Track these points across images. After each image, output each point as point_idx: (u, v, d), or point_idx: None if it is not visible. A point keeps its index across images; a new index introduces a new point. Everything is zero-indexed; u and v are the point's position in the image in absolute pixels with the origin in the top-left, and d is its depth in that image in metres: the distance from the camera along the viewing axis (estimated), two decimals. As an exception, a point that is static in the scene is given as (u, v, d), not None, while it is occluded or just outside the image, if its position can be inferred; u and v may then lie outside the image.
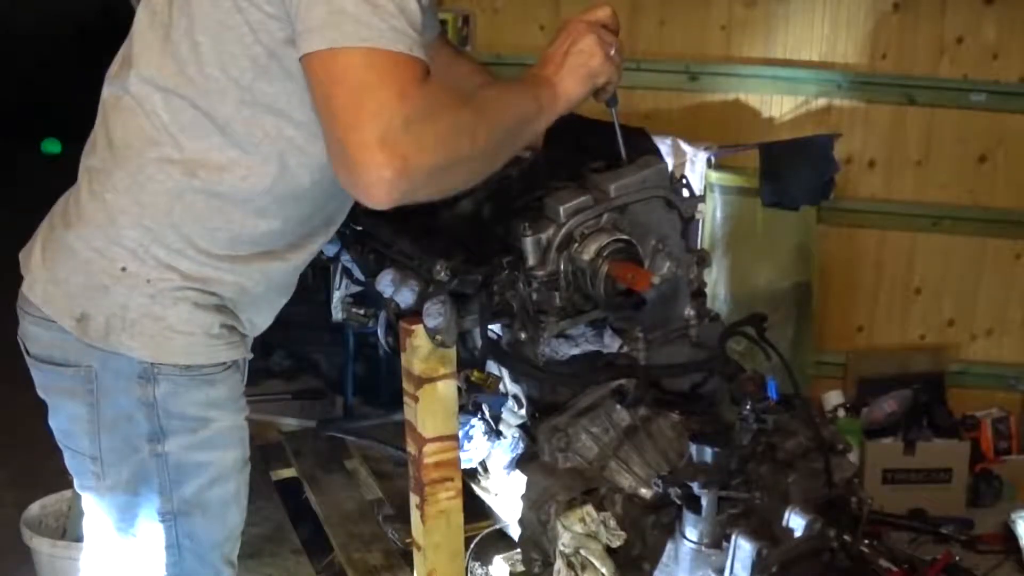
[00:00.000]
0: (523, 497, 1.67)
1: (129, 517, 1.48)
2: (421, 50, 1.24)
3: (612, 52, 1.49)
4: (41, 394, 1.51)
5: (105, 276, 1.38)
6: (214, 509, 1.49)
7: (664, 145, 3.02)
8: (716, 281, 3.29)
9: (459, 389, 1.69)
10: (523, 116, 1.41)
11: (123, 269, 1.38)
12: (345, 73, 1.20)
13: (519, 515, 1.67)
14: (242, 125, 1.35)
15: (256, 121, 1.34)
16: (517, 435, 1.81)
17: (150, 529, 1.47)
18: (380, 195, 1.21)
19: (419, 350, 1.60)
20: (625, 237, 1.63)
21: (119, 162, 1.39)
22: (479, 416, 1.85)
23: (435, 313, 1.56)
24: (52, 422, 1.51)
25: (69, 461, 1.52)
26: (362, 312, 2.11)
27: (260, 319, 1.54)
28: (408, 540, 1.90)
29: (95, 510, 1.52)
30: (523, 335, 1.66)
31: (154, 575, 1.50)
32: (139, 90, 1.37)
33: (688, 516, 1.51)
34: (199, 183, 1.36)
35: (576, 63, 1.46)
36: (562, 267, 1.63)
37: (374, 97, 1.18)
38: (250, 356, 1.55)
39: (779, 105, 3.45)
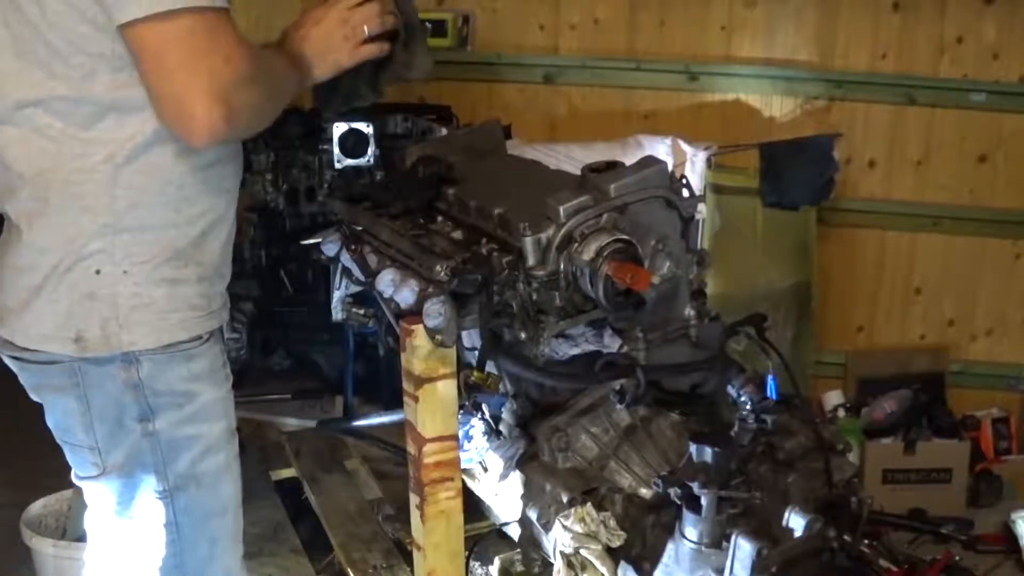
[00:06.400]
0: (523, 497, 1.68)
1: (127, 500, 1.51)
2: None
3: (363, 34, 1.62)
4: (34, 396, 1.53)
5: (85, 285, 1.40)
6: (207, 480, 1.53)
7: (664, 145, 3.02)
8: (716, 281, 3.29)
9: (459, 389, 1.69)
10: (289, 78, 1.55)
11: (97, 272, 1.40)
12: (175, 37, 1.30)
13: (519, 515, 1.67)
14: (123, 89, 1.36)
15: (132, 78, 1.35)
16: (517, 435, 1.81)
17: (148, 508, 1.51)
18: (207, 137, 1.35)
19: (419, 350, 1.60)
20: (625, 237, 1.63)
21: (41, 189, 1.39)
22: (479, 416, 1.85)
23: (435, 313, 1.56)
24: (49, 420, 1.54)
25: (69, 455, 1.55)
26: (362, 312, 2.11)
27: (227, 269, 1.56)
28: (408, 540, 1.90)
29: (95, 499, 1.56)
30: (523, 335, 1.66)
31: (154, 555, 1.53)
32: (19, 115, 1.37)
33: (688, 516, 1.51)
34: (122, 160, 1.37)
35: (319, 51, 1.59)
36: (562, 267, 1.63)
37: (205, 61, 1.31)
38: (226, 319, 1.56)
39: (779, 105, 3.45)
